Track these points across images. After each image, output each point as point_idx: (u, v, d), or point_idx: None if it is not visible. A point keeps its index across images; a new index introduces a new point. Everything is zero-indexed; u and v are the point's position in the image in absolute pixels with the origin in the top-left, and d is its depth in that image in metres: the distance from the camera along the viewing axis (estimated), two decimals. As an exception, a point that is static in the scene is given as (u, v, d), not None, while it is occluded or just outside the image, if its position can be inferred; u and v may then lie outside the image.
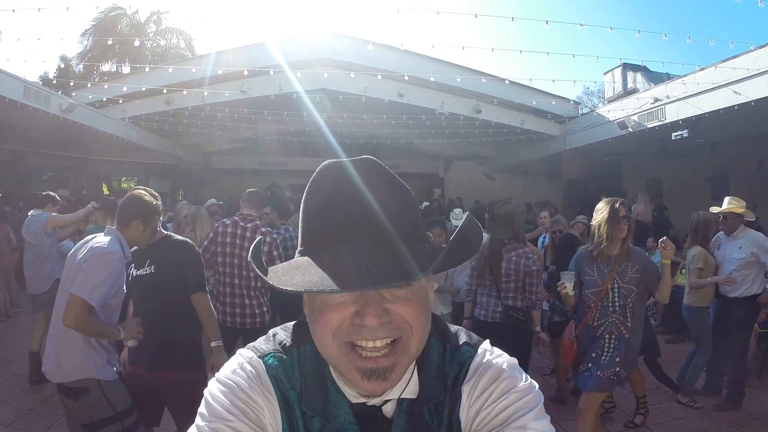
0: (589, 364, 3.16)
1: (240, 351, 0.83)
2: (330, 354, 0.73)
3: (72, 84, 12.58)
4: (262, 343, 0.83)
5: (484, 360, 0.83)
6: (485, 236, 5.51)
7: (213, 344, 2.76)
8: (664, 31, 13.24)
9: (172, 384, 2.61)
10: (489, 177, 17.67)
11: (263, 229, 4.05)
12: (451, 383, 0.81)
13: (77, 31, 22.13)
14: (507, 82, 11.03)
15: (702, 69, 8.57)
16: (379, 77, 10.24)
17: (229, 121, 12.20)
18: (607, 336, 3.15)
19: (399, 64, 10.56)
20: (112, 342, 2.53)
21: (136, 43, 16.03)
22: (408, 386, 0.79)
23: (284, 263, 0.77)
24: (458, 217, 6.91)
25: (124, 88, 10.86)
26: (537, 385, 0.80)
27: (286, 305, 4.61)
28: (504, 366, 0.81)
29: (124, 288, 2.56)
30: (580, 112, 13.08)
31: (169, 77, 10.47)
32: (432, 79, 10.66)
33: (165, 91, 10.48)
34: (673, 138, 9.12)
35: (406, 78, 10.29)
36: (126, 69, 20.15)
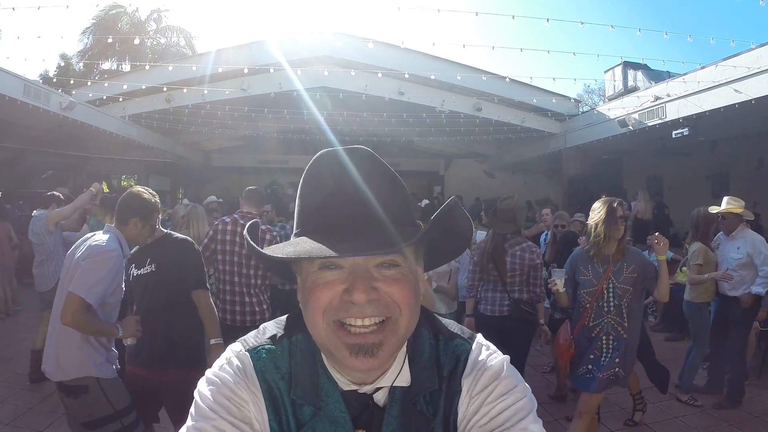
0: (589, 366, 3.15)
1: (230, 346, 0.84)
2: (320, 333, 0.74)
3: (72, 82, 12.58)
4: (251, 336, 0.84)
5: (482, 356, 0.84)
6: (480, 233, 5.53)
7: (212, 341, 2.76)
8: (665, 30, 13.23)
9: (173, 384, 2.61)
10: (489, 175, 17.65)
11: (263, 227, 4.06)
12: (448, 374, 0.82)
13: (77, 29, 22.19)
14: (507, 80, 11.01)
15: (703, 67, 8.56)
16: (380, 75, 10.23)
17: (229, 119, 12.20)
18: (604, 337, 3.14)
19: (399, 62, 10.54)
20: (112, 340, 2.53)
21: (137, 41, 16.06)
22: (400, 375, 0.80)
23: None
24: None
25: (125, 86, 10.83)
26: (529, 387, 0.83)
27: (286, 303, 4.61)
28: (504, 365, 0.82)
29: (123, 286, 2.55)
30: (581, 110, 13.06)
31: (170, 75, 10.46)
32: (432, 77, 10.65)
33: (165, 89, 10.47)
34: (673, 136, 9.11)
35: (407, 76, 10.27)
36: (126, 67, 20.16)
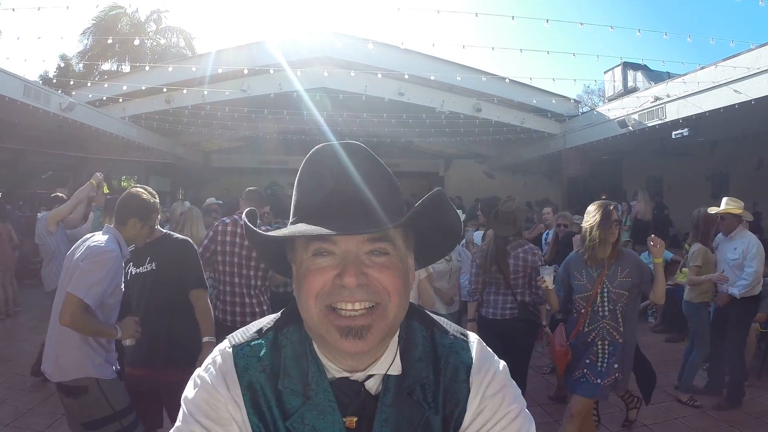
0: (584, 370, 3.12)
1: (219, 344, 0.86)
2: (312, 317, 0.77)
3: (72, 83, 12.59)
4: (239, 332, 0.87)
5: (487, 356, 0.87)
6: (477, 233, 5.54)
7: (205, 339, 2.76)
8: (665, 30, 13.22)
9: (172, 384, 2.59)
10: (489, 176, 17.65)
11: (263, 228, 4.06)
12: (446, 368, 0.84)
13: (77, 30, 22.14)
14: (507, 80, 11.01)
15: (702, 68, 8.56)
16: (380, 76, 10.23)
17: (229, 120, 12.19)
18: (599, 342, 3.12)
19: (399, 62, 10.54)
20: (111, 341, 2.53)
21: (136, 42, 16.05)
22: (392, 365, 0.82)
23: None
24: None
25: (124, 87, 10.84)
26: None
27: (286, 303, 4.61)
28: (506, 371, 0.87)
29: (122, 286, 2.55)
30: (581, 110, 13.06)
31: (169, 76, 10.45)
32: (432, 77, 10.65)
33: (165, 89, 10.47)
34: (673, 137, 9.11)
35: (407, 77, 10.27)
36: (126, 68, 20.15)
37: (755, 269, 4.35)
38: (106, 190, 4.81)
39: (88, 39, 21.68)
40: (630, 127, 9.74)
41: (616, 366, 3.08)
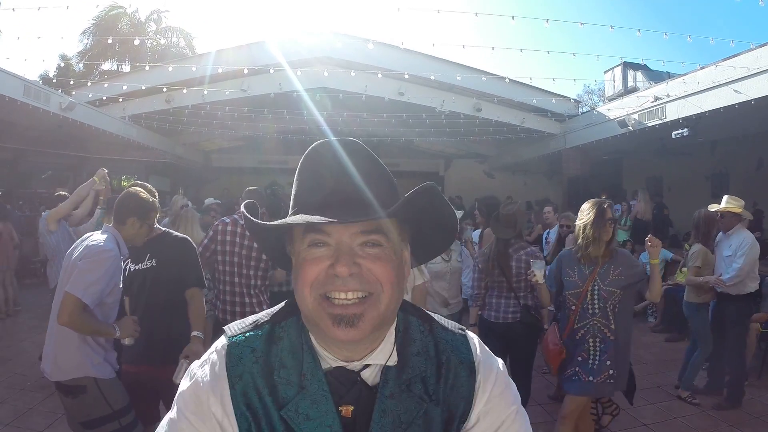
0: (576, 368, 3.09)
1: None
2: (308, 306, 0.79)
3: (72, 83, 12.60)
4: (236, 323, 0.89)
5: (488, 354, 0.91)
6: (476, 233, 5.52)
7: (194, 334, 2.76)
8: (665, 30, 13.22)
9: (171, 380, 2.62)
10: (489, 175, 17.66)
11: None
12: (453, 365, 0.86)
13: (77, 29, 22.15)
14: (507, 80, 11.01)
15: (702, 68, 8.55)
16: (380, 76, 10.22)
17: (229, 120, 12.19)
18: (590, 339, 3.08)
19: (399, 62, 10.53)
20: (110, 341, 2.53)
21: (136, 42, 16.05)
22: (389, 357, 0.84)
23: None
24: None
25: (124, 87, 10.83)
26: None
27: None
28: (505, 369, 0.90)
29: (121, 285, 2.56)
30: (581, 110, 13.06)
31: (169, 76, 10.44)
32: (432, 77, 10.65)
33: (165, 89, 10.47)
34: (673, 136, 9.11)
35: (407, 76, 10.26)
36: (126, 68, 20.14)
37: (740, 265, 4.36)
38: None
39: (88, 39, 21.69)
40: (630, 127, 9.73)
41: (608, 363, 3.04)
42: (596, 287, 3.08)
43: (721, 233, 4.70)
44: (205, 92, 10.62)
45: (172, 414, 0.83)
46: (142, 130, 12.22)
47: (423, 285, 3.44)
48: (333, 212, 0.77)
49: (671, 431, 4.08)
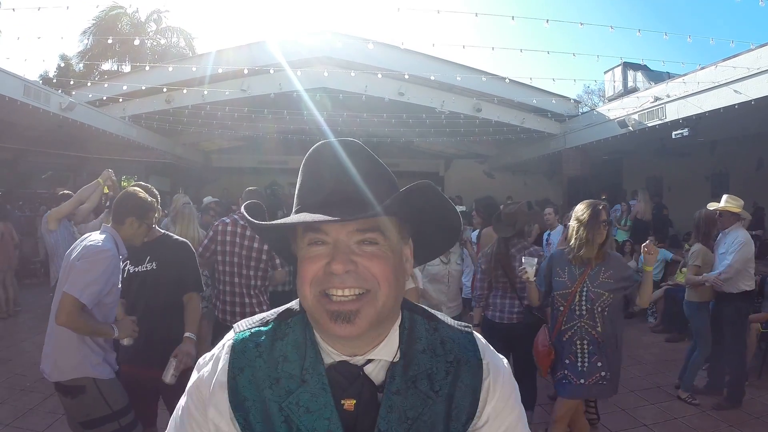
0: (565, 371, 3.04)
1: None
2: (308, 302, 0.82)
3: (72, 83, 12.60)
4: (245, 320, 0.93)
5: (494, 353, 0.92)
6: (473, 232, 5.51)
7: (186, 335, 2.77)
8: (665, 30, 13.24)
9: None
10: (489, 176, 17.66)
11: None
12: (462, 364, 0.87)
13: (77, 30, 22.13)
14: (507, 80, 11.00)
15: (702, 68, 8.55)
16: (380, 76, 10.22)
17: (229, 120, 12.19)
18: (578, 341, 3.02)
19: (399, 62, 10.53)
20: (110, 341, 2.53)
21: (137, 42, 16.03)
22: (389, 351, 0.85)
23: None
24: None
25: (124, 87, 10.83)
26: None
27: (286, 303, 4.60)
28: (510, 369, 0.92)
29: (119, 286, 2.56)
30: (581, 110, 13.05)
31: (170, 76, 10.44)
32: (432, 77, 10.64)
33: (165, 89, 10.46)
34: (673, 137, 9.11)
35: (407, 77, 10.26)
36: (126, 68, 20.17)
37: (730, 262, 4.36)
38: (106, 191, 4.67)
39: (88, 39, 21.68)
40: (630, 127, 9.74)
41: (599, 365, 2.98)
42: (585, 288, 3.02)
43: (721, 233, 4.71)
44: (205, 92, 10.62)
45: (182, 402, 0.89)
46: (142, 130, 12.23)
47: (414, 290, 3.38)
48: (333, 211, 0.79)
49: (671, 431, 4.07)
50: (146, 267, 2.80)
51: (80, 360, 2.37)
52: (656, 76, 13.41)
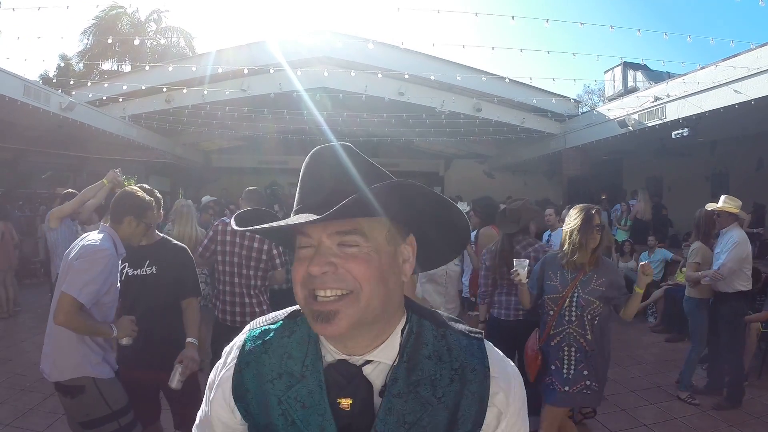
0: (551, 377, 3.00)
1: None
2: (300, 302, 0.85)
3: (72, 83, 12.59)
4: (259, 318, 0.98)
5: (503, 359, 0.92)
6: (472, 231, 5.50)
7: (188, 340, 2.78)
8: (665, 30, 13.23)
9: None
10: (489, 175, 17.65)
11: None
12: (469, 371, 0.86)
13: (77, 29, 22.16)
14: (507, 80, 10.99)
15: (702, 68, 8.54)
16: (380, 76, 10.22)
17: (229, 120, 12.18)
18: (566, 348, 2.97)
19: (399, 62, 10.52)
20: (109, 340, 2.53)
21: (137, 42, 16.07)
22: (389, 353, 0.86)
23: None
24: (463, 210, 6.90)
25: (124, 87, 10.82)
26: None
27: (286, 302, 4.60)
28: (519, 374, 0.92)
29: (118, 285, 2.56)
30: (581, 110, 13.04)
31: (170, 76, 10.43)
32: (432, 77, 10.63)
33: (165, 89, 10.45)
34: (673, 137, 9.10)
35: (407, 76, 10.25)
36: (126, 67, 20.18)
37: (723, 261, 4.37)
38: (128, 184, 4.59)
39: (88, 39, 21.70)
40: (630, 127, 9.73)
41: (585, 373, 2.93)
42: (576, 294, 2.98)
43: (720, 233, 4.72)
44: (205, 92, 10.61)
45: (206, 394, 0.97)
46: (142, 130, 12.22)
47: (410, 283, 3.40)
48: (318, 211, 0.81)
49: (671, 431, 4.07)
50: (146, 271, 2.80)
51: (80, 360, 2.37)
52: (656, 76, 13.41)
